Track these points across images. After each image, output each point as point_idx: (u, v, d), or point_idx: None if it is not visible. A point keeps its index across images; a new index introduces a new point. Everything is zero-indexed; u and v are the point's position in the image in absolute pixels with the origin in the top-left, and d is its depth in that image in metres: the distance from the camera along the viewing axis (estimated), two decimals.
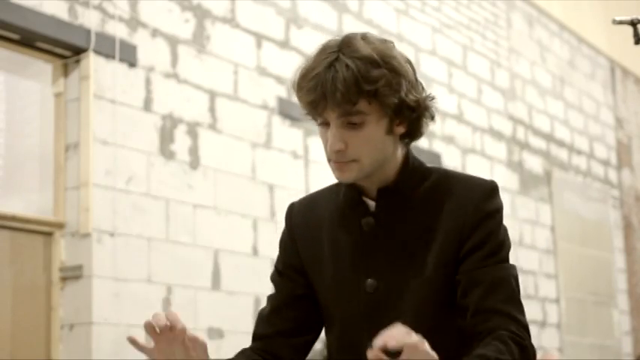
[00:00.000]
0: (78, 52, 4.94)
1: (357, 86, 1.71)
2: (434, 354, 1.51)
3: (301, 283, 1.91)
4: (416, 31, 7.60)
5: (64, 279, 4.82)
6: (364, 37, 1.79)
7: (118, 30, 5.10)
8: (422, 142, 7.41)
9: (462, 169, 7.83)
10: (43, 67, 5.00)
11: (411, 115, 1.79)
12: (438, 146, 7.61)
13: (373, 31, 8.37)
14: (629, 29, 2.63)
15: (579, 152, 10.01)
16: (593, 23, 10.55)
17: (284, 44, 6.24)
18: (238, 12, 5.91)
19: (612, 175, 10.71)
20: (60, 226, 4.86)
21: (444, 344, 1.76)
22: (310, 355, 1.93)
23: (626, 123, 11.21)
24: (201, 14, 5.65)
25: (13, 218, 4.71)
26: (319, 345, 6.39)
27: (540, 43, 9.56)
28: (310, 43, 6.43)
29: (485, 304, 1.77)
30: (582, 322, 9.41)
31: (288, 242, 1.95)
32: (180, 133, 5.37)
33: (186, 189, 5.29)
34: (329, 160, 1.81)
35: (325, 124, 1.78)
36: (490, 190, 1.83)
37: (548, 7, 9.75)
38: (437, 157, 7.46)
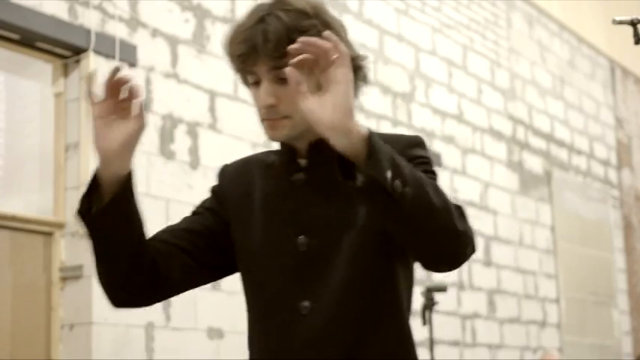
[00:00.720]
0: (78, 52, 4.94)
1: (288, 36, 1.68)
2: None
3: (218, 229, 1.83)
4: (416, 31, 7.60)
5: (64, 279, 4.82)
6: None
7: (118, 30, 5.10)
8: None
9: (462, 169, 7.84)
10: (43, 67, 5.00)
11: None
12: (438, 146, 7.61)
13: (373, 31, 8.39)
14: (629, 29, 2.63)
15: (579, 152, 10.01)
16: (593, 23, 10.55)
17: None
18: (238, 12, 5.91)
19: (612, 175, 10.71)
20: (60, 226, 4.86)
21: (385, 292, 1.73)
22: None
23: (626, 123, 11.21)
24: (201, 14, 5.65)
25: (13, 218, 4.71)
26: None
27: (540, 43, 9.57)
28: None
29: None
30: (582, 322, 9.41)
31: (220, 195, 1.87)
32: (180, 133, 5.37)
33: (186, 189, 5.29)
34: (262, 121, 1.77)
35: (256, 84, 1.76)
36: (415, 140, 1.79)
37: (548, 7, 9.75)
38: (437, 157, 7.46)
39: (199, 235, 1.82)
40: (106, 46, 5.01)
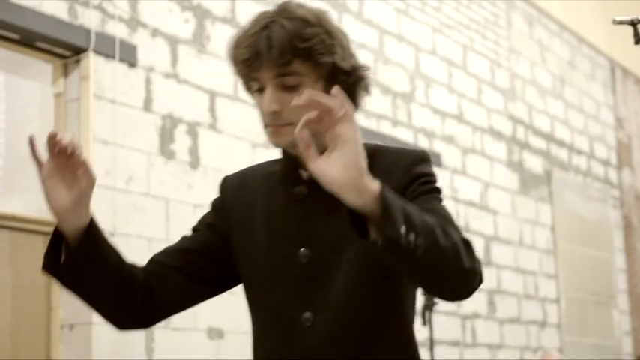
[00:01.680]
0: (78, 52, 4.94)
1: (291, 44, 1.70)
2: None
3: (218, 245, 1.85)
4: (416, 31, 7.60)
5: None
6: (300, 4, 1.79)
7: (118, 30, 5.10)
8: (422, 142, 7.42)
9: (462, 169, 7.84)
10: (43, 67, 5.00)
11: (346, 80, 1.76)
12: (438, 146, 7.61)
13: (373, 32, 8.38)
14: (629, 29, 2.63)
15: (579, 152, 10.01)
16: (593, 23, 10.55)
17: None
18: (238, 12, 5.91)
19: (612, 175, 10.71)
20: None
21: (387, 302, 1.75)
22: None
23: (626, 123, 11.21)
24: (201, 14, 5.65)
25: (13, 218, 4.71)
26: None
27: (540, 43, 9.57)
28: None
29: None
30: (582, 322, 9.41)
31: (220, 209, 1.88)
32: (180, 133, 5.37)
33: (186, 189, 5.29)
34: (265, 127, 1.78)
35: (260, 91, 1.77)
36: (420, 157, 1.79)
37: (548, 7, 9.75)
38: (437, 157, 7.46)
39: (195, 253, 1.85)
40: (106, 46, 5.01)
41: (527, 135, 9.01)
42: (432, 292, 1.70)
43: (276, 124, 1.75)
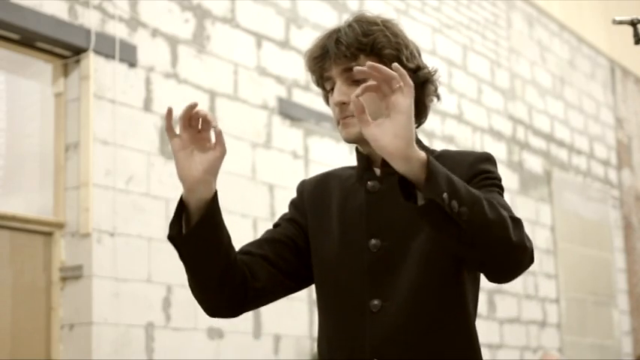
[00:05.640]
0: (78, 52, 4.95)
1: (357, 40, 1.83)
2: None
3: (299, 237, 1.94)
4: (416, 31, 7.60)
5: (64, 279, 4.82)
6: (372, 14, 1.94)
7: (118, 30, 5.10)
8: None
9: None
10: (43, 67, 5.00)
11: (411, 79, 1.80)
12: (438, 146, 7.58)
13: None
14: (629, 29, 2.63)
15: (579, 152, 10.01)
16: (593, 23, 10.55)
17: (284, 44, 6.24)
18: (238, 12, 5.91)
19: (612, 175, 10.71)
20: (60, 226, 4.86)
21: (452, 294, 1.82)
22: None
23: (626, 123, 11.21)
24: (201, 14, 5.65)
25: (13, 218, 4.71)
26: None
27: (540, 43, 9.57)
28: (310, 43, 6.43)
29: None
30: (582, 322, 9.41)
31: (299, 204, 1.99)
32: None
33: None
34: (337, 122, 1.88)
35: (332, 91, 1.87)
36: (485, 156, 1.89)
37: (548, 7, 9.75)
38: None
39: (282, 244, 1.93)
40: (106, 46, 5.01)
41: (527, 135, 9.02)
42: (481, 268, 1.75)
43: (345, 116, 1.85)
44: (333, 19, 6.65)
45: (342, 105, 1.84)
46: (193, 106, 1.76)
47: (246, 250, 1.93)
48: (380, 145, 1.60)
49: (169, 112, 1.76)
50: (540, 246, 8.84)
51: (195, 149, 1.78)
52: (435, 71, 1.93)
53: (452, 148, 7.92)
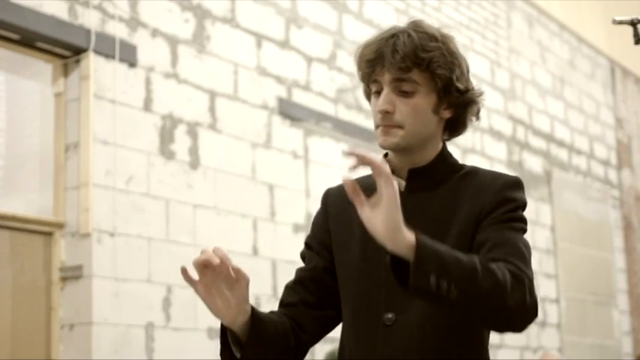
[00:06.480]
0: (78, 52, 4.95)
1: (414, 53, 1.83)
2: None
3: (326, 258, 1.97)
4: None
5: (64, 279, 4.82)
6: (430, 23, 1.93)
7: (118, 30, 5.10)
8: None
9: None
10: (43, 67, 5.00)
11: (458, 99, 1.89)
12: None
13: (373, 31, 8.33)
14: (629, 29, 2.63)
15: (579, 152, 10.01)
16: (593, 23, 10.55)
17: (284, 44, 6.24)
18: (238, 12, 5.91)
19: (612, 175, 10.71)
20: (60, 226, 4.86)
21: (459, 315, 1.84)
22: (321, 357, 1.95)
23: (626, 123, 11.21)
24: (201, 14, 5.65)
25: (13, 218, 4.71)
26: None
27: (540, 43, 9.57)
28: (310, 43, 6.43)
29: (488, 255, 1.79)
30: (582, 322, 9.41)
31: (321, 220, 2.01)
32: (180, 133, 5.37)
33: (186, 189, 5.29)
34: (376, 127, 1.89)
35: (377, 94, 1.88)
36: (513, 181, 1.94)
37: (548, 7, 9.75)
38: None
39: (314, 282, 1.97)
40: (106, 46, 5.01)
41: (527, 135, 9.02)
42: (483, 327, 1.82)
43: (386, 124, 1.86)
44: (333, 19, 6.65)
45: (386, 114, 1.85)
46: (201, 260, 1.77)
47: (285, 302, 1.97)
48: (372, 228, 1.65)
49: (184, 270, 1.77)
50: (540, 246, 8.84)
51: (219, 287, 1.81)
52: (481, 93, 1.95)
53: (452, 148, 7.91)
